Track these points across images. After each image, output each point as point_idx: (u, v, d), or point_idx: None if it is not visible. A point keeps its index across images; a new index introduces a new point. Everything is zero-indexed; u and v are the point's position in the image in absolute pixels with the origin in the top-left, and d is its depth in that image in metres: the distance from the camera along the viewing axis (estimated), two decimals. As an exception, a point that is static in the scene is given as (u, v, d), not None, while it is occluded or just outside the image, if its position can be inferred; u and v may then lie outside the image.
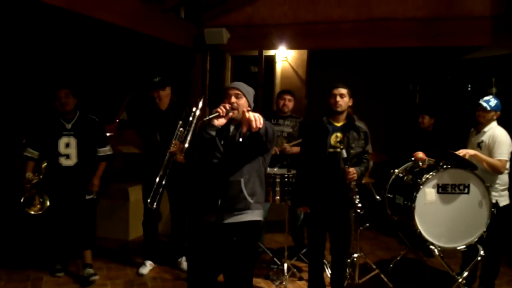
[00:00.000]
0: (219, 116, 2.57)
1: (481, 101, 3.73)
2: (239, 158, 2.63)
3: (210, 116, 2.57)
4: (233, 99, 2.65)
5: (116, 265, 4.42)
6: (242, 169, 2.63)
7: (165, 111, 4.18)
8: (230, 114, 2.60)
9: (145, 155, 4.23)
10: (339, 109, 3.26)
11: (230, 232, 2.64)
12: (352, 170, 3.18)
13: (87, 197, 4.00)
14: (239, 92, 2.67)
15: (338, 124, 3.31)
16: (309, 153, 3.34)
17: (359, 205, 3.23)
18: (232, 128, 2.70)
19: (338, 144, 3.23)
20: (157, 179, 4.01)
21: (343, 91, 3.27)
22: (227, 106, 2.60)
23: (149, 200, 4.01)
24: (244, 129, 2.47)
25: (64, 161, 3.89)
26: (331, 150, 3.26)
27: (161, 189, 4.04)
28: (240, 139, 2.64)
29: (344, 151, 3.17)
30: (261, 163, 2.72)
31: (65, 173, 3.89)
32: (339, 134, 3.26)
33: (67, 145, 3.90)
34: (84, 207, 3.99)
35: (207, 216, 2.68)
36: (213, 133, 2.59)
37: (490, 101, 3.71)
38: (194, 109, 3.95)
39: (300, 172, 3.53)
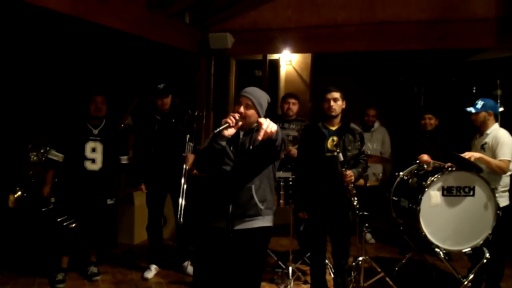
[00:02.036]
0: (229, 127, 2.55)
1: (466, 108, 3.84)
2: (250, 165, 2.63)
3: (221, 128, 2.54)
4: (242, 109, 2.62)
5: (121, 269, 4.43)
6: (253, 175, 2.63)
7: (166, 113, 4.20)
8: (240, 123, 2.59)
9: (145, 159, 4.21)
10: (333, 113, 3.29)
11: (240, 238, 2.63)
12: (349, 172, 3.22)
13: (109, 202, 4.08)
14: (249, 103, 2.63)
15: (333, 128, 3.34)
16: (307, 158, 3.36)
17: (358, 206, 3.27)
18: (242, 134, 2.69)
19: (334, 148, 3.25)
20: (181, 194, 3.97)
21: (336, 95, 3.29)
22: (237, 116, 2.57)
23: (178, 217, 3.98)
24: (260, 137, 2.39)
25: (89, 165, 3.96)
26: (328, 154, 3.29)
27: (182, 202, 3.98)
28: (251, 147, 2.63)
29: (340, 155, 3.20)
30: (271, 169, 2.72)
31: (89, 177, 3.96)
32: (335, 138, 3.29)
33: (93, 149, 3.98)
34: (105, 211, 4.07)
35: (217, 222, 2.67)
36: (224, 143, 2.58)
37: (476, 104, 3.81)
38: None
39: (298, 178, 3.54)
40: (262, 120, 2.38)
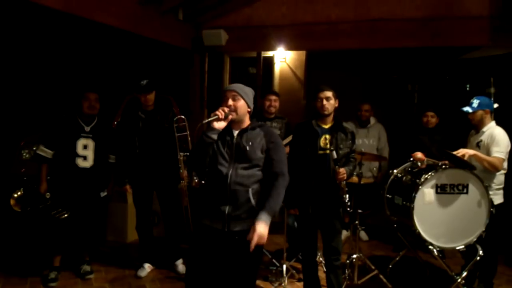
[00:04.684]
0: (218, 119, 2.54)
1: (462, 108, 3.81)
2: (247, 167, 2.61)
3: (209, 119, 2.54)
4: (230, 102, 2.62)
5: (115, 267, 4.40)
6: (249, 178, 2.61)
7: (150, 111, 4.15)
8: (230, 116, 2.58)
9: (130, 157, 4.15)
10: (326, 112, 3.31)
11: (236, 239, 2.62)
12: (342, 170, 3.25)
13: (102, 195, 4.07)
14: (236, 94, 2.64)
15: (326, 126, 3.36)
16: (299, 155, 3.37)
17: (349, 203, 3.31)
18: (236, 134, 2.66)
19: (327, 146, 3.28)
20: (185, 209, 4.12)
21: (329, 94, 3.31)
22: (226, 109, 2.57)
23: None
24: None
25: (81, 162, 3.93)
26: (321, 152, 3.30)
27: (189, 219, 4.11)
28: (247, 147, 2.60)
29: (334, 153, 3.22)
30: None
31: (81, 174, 3.93)
32: (327, 136, 3.31)
33: (85, 146, 3.95)
34: (98, 205, 4.07)
35: (213, 223, 2.64)
36: (214, 136, 2.57)
37: (472, 103, 3.78)
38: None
39: (290, 175, 3.54)
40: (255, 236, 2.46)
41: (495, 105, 3.81)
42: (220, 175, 2.60)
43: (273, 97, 4.53)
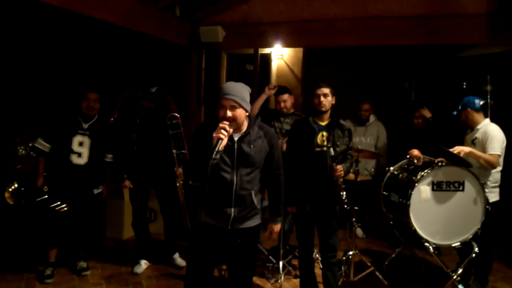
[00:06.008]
0: (222, 140, 2.45)
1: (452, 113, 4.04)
2: (250, 172, 2.63)
3: (218, 148, 2.42)
4: (229, 113, 2.51)
5: (111, 264, 4.40)
6: (252, 181, 2.65)
7: (148, 108, 4.14)
8: (230, 131, 2.49)
9: (128, 154, 4.15)
10: (323, 109, 3.31)
11: (238, 235, 2.68)
12: (339, 167, 3.25)
13: (95, 192, 4.05)
14: (234, 104, 2.51)
15: (323, 123, 3.36)
16: (296, 152, 3.37)
17: (346, 200, 3.32)
18: (236, 139, 2.60)
19: (325, 143, 3.28)
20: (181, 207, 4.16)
21: (326, 90, 3.31)
22: (227, 127, 2.45)
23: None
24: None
25: (75, 159, 3.91)
26: (318, 149, 3.31)
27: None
28: (252, 152, 2.59)
29: (331, 150, 3.24)
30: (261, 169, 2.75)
31: (75, 171, 3.92)
32: (324, 133, 3.32)
33: (81, 143, 3.93)
34: (92, 202, 4.05)
35: (217, 222, 2.66)
36: (219, 155, 2.51)
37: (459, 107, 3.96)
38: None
39: (287, 172, 3.55)
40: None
41: (481, 102, 3.84)
42: (224, 182, 2.59)
43: (283, 97, 4.33)
